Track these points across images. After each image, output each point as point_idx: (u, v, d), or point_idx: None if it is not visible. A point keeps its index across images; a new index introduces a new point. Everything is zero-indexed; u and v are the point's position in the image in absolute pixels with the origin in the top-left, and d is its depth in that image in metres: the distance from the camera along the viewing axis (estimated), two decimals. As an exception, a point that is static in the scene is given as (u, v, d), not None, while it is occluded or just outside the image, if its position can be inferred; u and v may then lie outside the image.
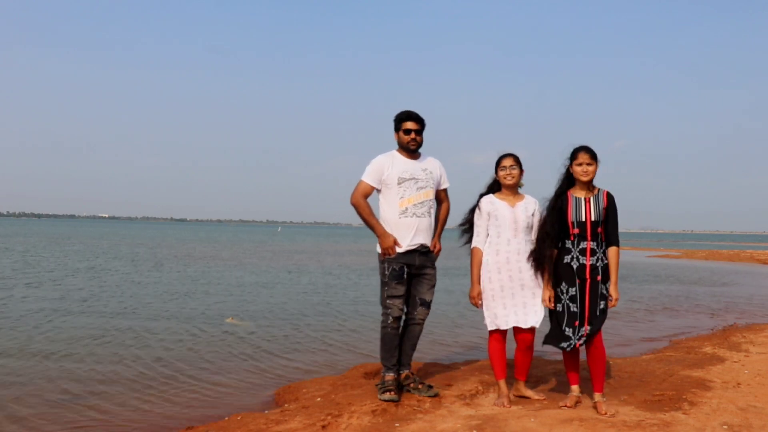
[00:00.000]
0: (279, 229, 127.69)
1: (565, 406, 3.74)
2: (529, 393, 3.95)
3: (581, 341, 3.65)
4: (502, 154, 3.94)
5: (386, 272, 4.13)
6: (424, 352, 5.91)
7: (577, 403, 3.79)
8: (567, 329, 3.71)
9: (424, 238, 4.13)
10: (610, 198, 3.74)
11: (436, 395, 4.01)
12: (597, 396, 3.72)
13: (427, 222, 4.14)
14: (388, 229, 4.09)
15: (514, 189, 3.93)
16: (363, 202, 4.15)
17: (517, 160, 3.90)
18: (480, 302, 3.92)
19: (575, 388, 3.83)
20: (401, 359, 4.20)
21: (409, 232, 4.07)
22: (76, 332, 6.79)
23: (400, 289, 4.11)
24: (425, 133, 4.21)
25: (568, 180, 3.80)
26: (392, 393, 3.93)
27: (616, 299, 3.69)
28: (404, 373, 4.17)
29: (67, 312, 8.23)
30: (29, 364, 5.31)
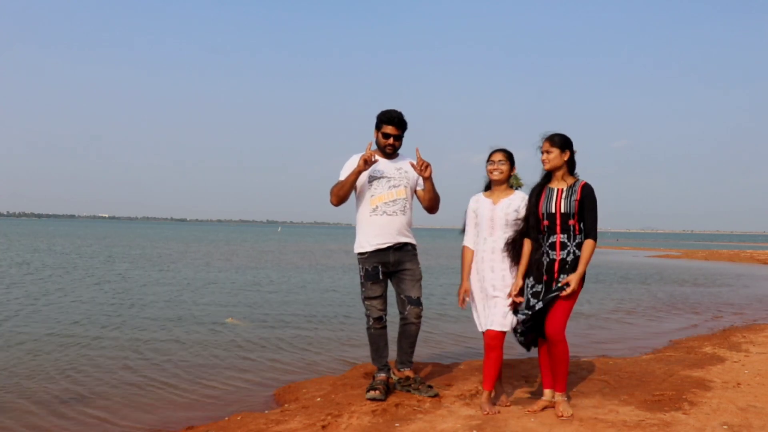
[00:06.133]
0: (279, 229, 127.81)
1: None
2: (486, 408, 3.64)
3: (528, 324, 3.55)
4: (493, 149, 3.83)
5: (360, 273, 4.14)
6: (424, 352, 5.91)
7: (545, 408, 3.66)
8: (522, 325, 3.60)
9: (396, 237, 4.08)
10: (585, 189, 3.55)
11: (436, 395, 4.00)
12: (557, 396, 3.62)
13: (400, 220, 4.09)
14: (360, 228, 4.13)
15: (502, 185, 3.81)
16: (335, 190, 4.09)
17: (507, 156, 3.79)
18: (466, 300, 3.86)
19: (548, 392, 3.71)
20: (401, 357, 4.20)
21: (380, 230, 4.05)
22: (73, 332, 6.79)
23: (377, 290, 4.10)
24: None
25: (548, 172, 3.68)
26: (377, 392, 3.93)
27: (572, 290, 3.44)
28: (405, 372, 4.17)
29: (60, 311, 8.24)
30: (27, 365, 5.32)
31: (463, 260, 3.91)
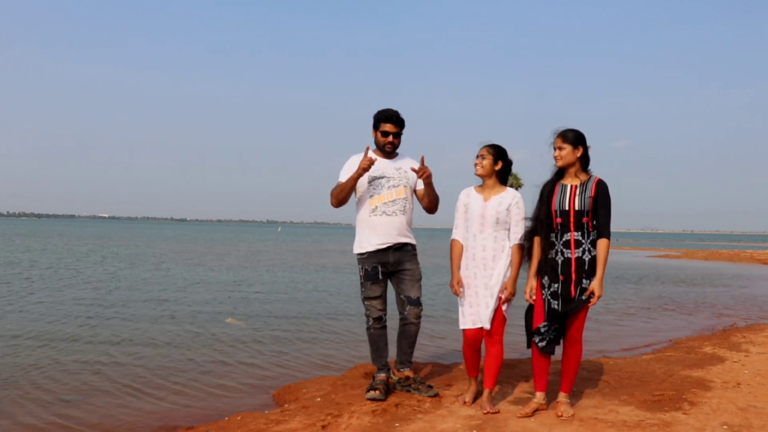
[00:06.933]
0: (279, 229, 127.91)
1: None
2: (487, 407, 3.66)
3: (555, 338, 3.50)
4: (481, 144, 3.81)
5: (360, 273, 4.14)
6: (424, 352, 5.92)
7: (537, 410, 3.60)
8: (542, 325, 3.51)
9: (396, 237, 4.08)
10: (599, 186, 3.46)
11: (436, 395, 4.00)
12: (561, 396, 3.61)
13: (399, 220, 4.08)
14: (359, 229, 4.12)
15: (489, 179, 3.77)
16: (335, 192, 4.09)
17: (493, 151, 3.74)
18: (461, 290, 3.77)
19: (539, 395, 3.65)
20: (400, 358, 4.20)
21: (380, 230, 4.05)
22: (72, 330, 6.79)
23: (376, 290, 4.09)
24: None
25: (560, 168, 3.60)
26: (377, 392, 3.93)
27: (598, 297, 3.41)
28: (405, 372, 4.17)
29: (52, 308, 8.24)
30: (26, 364, 5.31)
31: (452, 253, 3.89)
